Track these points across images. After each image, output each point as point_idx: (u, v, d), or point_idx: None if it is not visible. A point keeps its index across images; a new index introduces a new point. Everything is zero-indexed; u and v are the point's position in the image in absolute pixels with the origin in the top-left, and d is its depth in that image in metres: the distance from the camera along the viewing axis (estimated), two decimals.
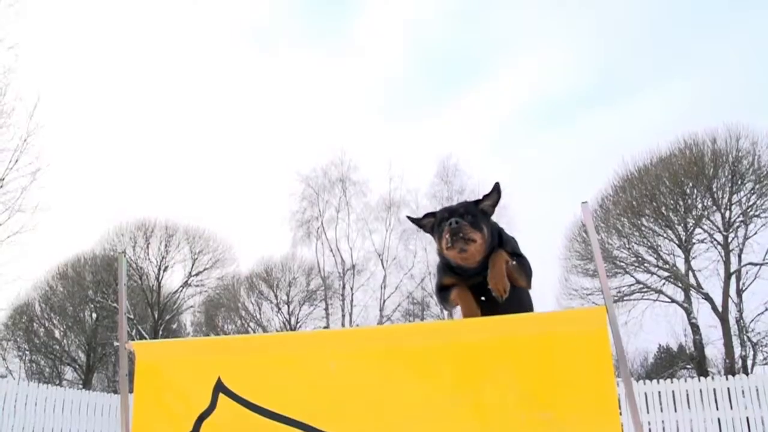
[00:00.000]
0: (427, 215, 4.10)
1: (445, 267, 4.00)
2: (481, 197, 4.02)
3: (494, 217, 4.09)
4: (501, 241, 3.96)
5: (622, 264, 31.54)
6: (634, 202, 31.37)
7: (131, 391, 3.61)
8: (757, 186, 29.22)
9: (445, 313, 35.75)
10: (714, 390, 18.29)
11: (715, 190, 29.84)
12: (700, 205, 30.53)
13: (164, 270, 38.92)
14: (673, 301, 30.84)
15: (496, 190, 3.93)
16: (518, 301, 3.94)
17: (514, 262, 3.84)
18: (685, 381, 19.17)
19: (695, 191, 30.45)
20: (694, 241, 30.69)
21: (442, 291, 4.08)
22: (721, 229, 29.79)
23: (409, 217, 4.31)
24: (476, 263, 3.80)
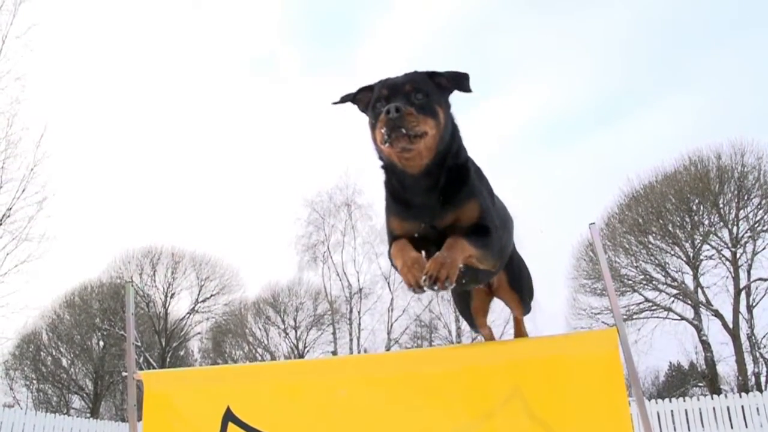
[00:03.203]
0: (363, 89, 3.13)
1: (389, 182, 3.11)
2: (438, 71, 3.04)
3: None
4: (467, 173, 3.05)
5: (630, 282, 31.37)
6: (640, 220, 31.29)
7: (140, 419, 3.60)
8: (764, 201, 29.15)
9: (454, 335, 35.67)
10: (728, 408, 18.10)
11: (721, 205, 29.76)
12: (706, 222, 30.43)
13: (171, 297, 38.92)
14: (682, 318, 30.62)
15: (464, 77, 3.01)
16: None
17: (476, 253, 2.96)
18: (698, 399, 19.00)
19: (701, 207, 30.37)
20: (702, 257, 30.55)
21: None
22: (729, 244, 29.65)
23: (336, 102, 3.22)
24: (422, 167, 2.90)
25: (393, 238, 3.16)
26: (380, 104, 2.83)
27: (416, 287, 2.75)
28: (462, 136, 3.08)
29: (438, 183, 2.95)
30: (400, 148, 2.74)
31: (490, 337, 4.38)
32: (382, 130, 2.71)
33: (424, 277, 2.69)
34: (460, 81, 2.99)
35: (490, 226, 3.04)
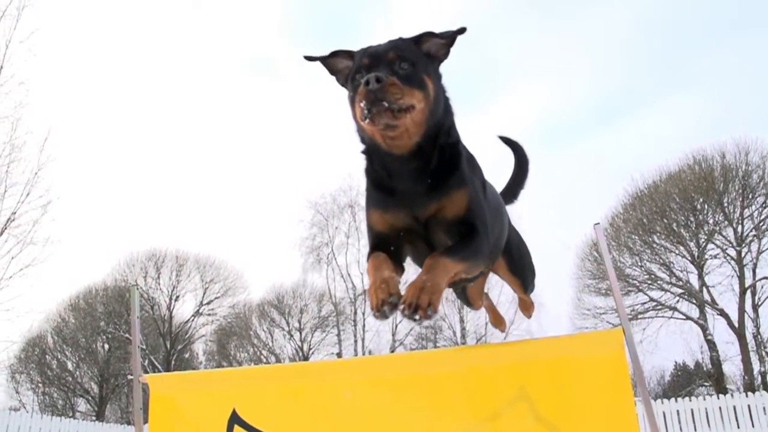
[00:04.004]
0: (339, 53, 2.77)
1: (371, 168, 2.80)
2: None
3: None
4: (458, 155, 2.74)
5: (634, 282, 31.32)
6: (644, 220, 31.24)
7: (146, 422, 3.60)
8: None
9: (459, 336, 35.63)
10: (734, 408, 18.04)
11: (726, 204, 29.70)
12: (711, 221, 30.37)
13: (175, 299, 38.96)
14: (687, 318, 30.56)
15: (458, 31, 2.66)
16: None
17: (464, 267, 2.67)
18: (704, 399, 18.95)
19: (706, 206, 30.31)
20: (706, 256, 30.49)
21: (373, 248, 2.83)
22: (734, 243, 29.59)
23: (307, 57, 2.83)
24: (410, 146, 2.58)
25: (374, 237, 2.86)
26: (360, 75, 2.47)
27: (376, 310, 2.41)
28: (454, 113, 2.76)
29: (429, 165, 2.63)
30: (383, 125, 2.40)
31: (489, 307, 4.46)
32: (362, 104, 2.37)
33: (402, 306, 2.35)
34: (452, 39, 2.65)
35: (478, 224, 2.70)
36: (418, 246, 2.84)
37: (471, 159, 2.88)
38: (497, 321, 4.58)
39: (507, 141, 4.10)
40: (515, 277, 3.71)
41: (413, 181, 2.66)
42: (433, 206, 2.68)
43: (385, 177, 2.71)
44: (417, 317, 2.31)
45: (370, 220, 2.85)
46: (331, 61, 2.76)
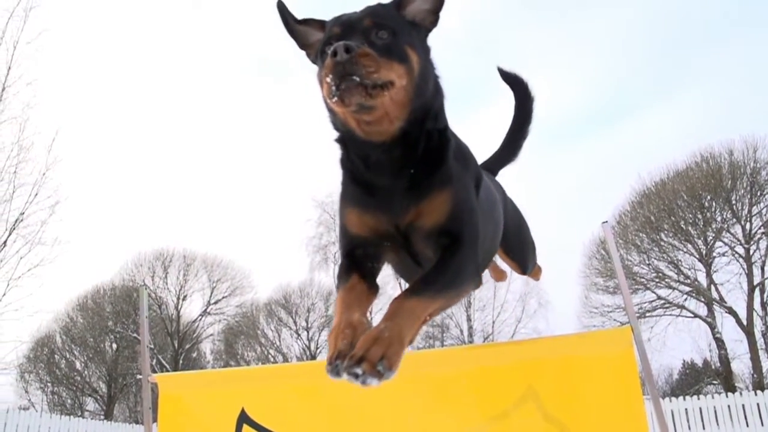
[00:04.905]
0: (311, 22, 2.37)
1: (347, 158, 2.33)
2: None
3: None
4: (444, 146, 2.28)
5: (642, 280, 31.23)
6: (652, 217, 31.15)
7: (155, 420, 3.62)
8: None
9: (466, 335, 35.59)
10: (743, 406, 17.95)
11: (734, 202, 29.58)
12: (719, 218, 30.25)
13: (183, 299, 39.11)
14: (696, 316, 30.45)
15: None
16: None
17: (441, 304, 2.12)
18: (712, 397, 18.86)
19: (714, 204, 30.20)
20: (714, 254, 30.38)
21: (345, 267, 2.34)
22: (742, 241, 29.47)
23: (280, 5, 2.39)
24: (392, 133, 2.13)
25: (348, 243, 2.36)
26: (329, 47, 1.99)
27: (329, 363, 1.84)
28: (445, 95, 2.32)
29: (414, 156, 2.19)
30: (356, 106, 1.96)
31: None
32: (328, 79, 1.94)
33: (346, 362, 1.76)
34: (442, 2, 2.26)
35: (464, 235, 2.20)
36: (403, 257, 2.38)
37: (461, 149, 2.42)
38: (497, 274, 4.04)
39: (506, 75, 3.51)
40: (514, 261, 3.36)
41: (395, 176, 2.21)
42: (411, 210, 2.21)
43: (364, 170, 2.25)
44: (359, 371, 1.71)
45: (345, 221, 2.38)
46: (301, 31, 2.36)
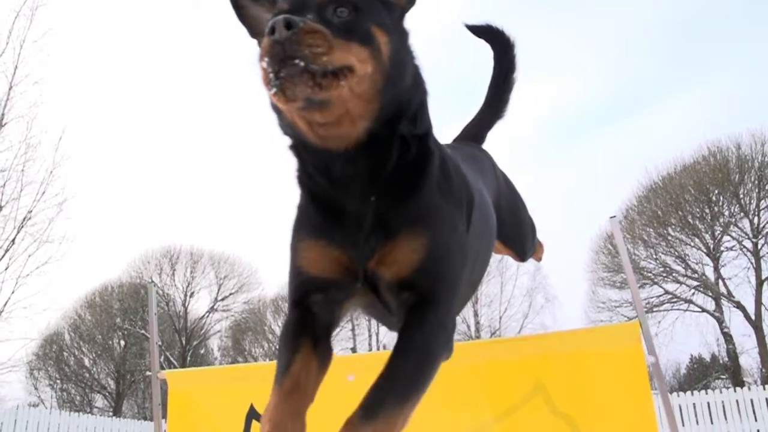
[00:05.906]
0: (262, 0, 1.89)
1: (303, 171, 1.82)
2: None
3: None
4: (424, 163, 1.78)
5: (649, 275, 31.14)
6: (659, 212, 31.04)
7: (164, 416, 3.64)
8: None
9: (473, 329, 35.57)
10: (751, 401, 17.90)
11: (741, 196, 29.44)
12: (727, 212, 30.12)
13: (190, 296, 39.24)
14: (703, 310, 30.36)
15: None
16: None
17: (406, 410, 1.65)
18: (721, 392, 18.82)
19: (721, 198, 30.06)
20: (722, 248, 30.25)
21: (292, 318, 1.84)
22: (750, 235, 29.33)
23: None
24: (355, 137, 1.65)
25: (299, 287, 1.83)
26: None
27: None
28: (428, 91, 1.83)
29: (385, 168, 1.70)
30: (303, 101, 1.51)
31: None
32: (264, 64, 1.50)
33: None
34: None
35: (437, 295, 1.73)
36: (373, 302, 1.85)
37: (447, 165, 1.90)
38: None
39: (477, 29, 3.10)
40: (512, 251, 3.01)
41: (364, 197, 1.71)
42: (375, 253, 1.71)
43: (327, 187, 1.74)
44: None
45: (300, 260, 1.81)
46: (253, 14, 1.91)
